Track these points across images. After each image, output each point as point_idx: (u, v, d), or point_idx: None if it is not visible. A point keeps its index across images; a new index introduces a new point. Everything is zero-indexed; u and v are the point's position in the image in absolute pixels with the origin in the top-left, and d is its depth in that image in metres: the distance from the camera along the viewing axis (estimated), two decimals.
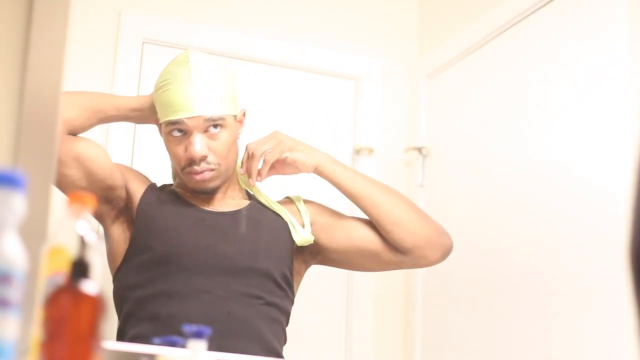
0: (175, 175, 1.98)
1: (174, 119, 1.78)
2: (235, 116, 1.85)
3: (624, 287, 0.75)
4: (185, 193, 1.89)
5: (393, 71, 2.95)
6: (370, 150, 2.81)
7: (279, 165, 1.90)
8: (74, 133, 1.78)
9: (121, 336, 1.78)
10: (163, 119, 1.81)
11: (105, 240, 1.84)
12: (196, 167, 1.79)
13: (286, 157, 1.87)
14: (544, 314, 2.16)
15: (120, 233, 1.83)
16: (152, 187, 1.89)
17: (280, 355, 1.82)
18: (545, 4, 2.32)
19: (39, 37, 1.33)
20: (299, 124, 2.70)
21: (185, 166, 1.80)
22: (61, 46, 1.34)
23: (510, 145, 2.40)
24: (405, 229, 1.86)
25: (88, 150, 1.77)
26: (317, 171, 1.90)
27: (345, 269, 2.06)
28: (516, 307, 2.27)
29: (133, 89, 2.55)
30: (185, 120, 1.78)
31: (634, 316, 0.75)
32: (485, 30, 2.56)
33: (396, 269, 1.97)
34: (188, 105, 1.77)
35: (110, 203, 1.82)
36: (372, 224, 1.91)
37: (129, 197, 1.84)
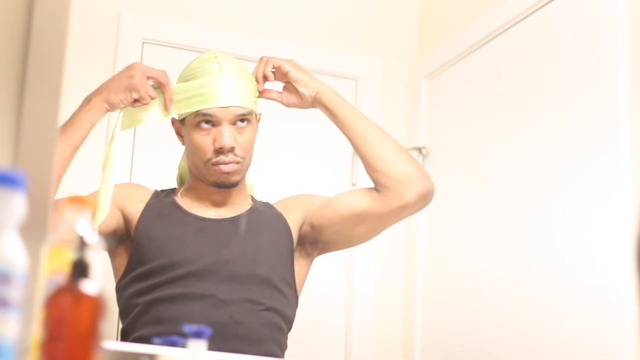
0: (182, 180, 1.98)
1: (207, 110, 1.80)
2: (256, 115, 1.89)
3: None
4: (189, 202, 1.88)
5: (393, 71, 2.95)
6: None
7: (286, 91, 1.93)
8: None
9: (124, 339, 1.78)
10: (192, 109, 1.81)
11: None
12: (224, 158, 1.80)
13: (288, 72, 1.90)
14: (545, 316, 2.16)
15: (120, 250, 1.83)
16: (151, 202, 1.87)
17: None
18: (545, 4, 2.32)
19: (39, 37, 1.33)
20: (299, 124, 2.69)
21: (211, 157, 1.81)
22: (61, 46, 1.34)
23: (510, 145, 2.40)
24: (387, 163, 1.86)
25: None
26: (317, 99, 1.91)
27: (345, 247, 2.03)
28: (518, 307, 2.27)
29: None
30: (217, 111, 1.80)
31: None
32: (484, 31, 2.56)
33: (383, 222, 1.92)
34: (221, 96, 1.80)
35: (115, 236, 1.83)
36: (349, 193, 1.99)
37: (127, 221, 1.84)
